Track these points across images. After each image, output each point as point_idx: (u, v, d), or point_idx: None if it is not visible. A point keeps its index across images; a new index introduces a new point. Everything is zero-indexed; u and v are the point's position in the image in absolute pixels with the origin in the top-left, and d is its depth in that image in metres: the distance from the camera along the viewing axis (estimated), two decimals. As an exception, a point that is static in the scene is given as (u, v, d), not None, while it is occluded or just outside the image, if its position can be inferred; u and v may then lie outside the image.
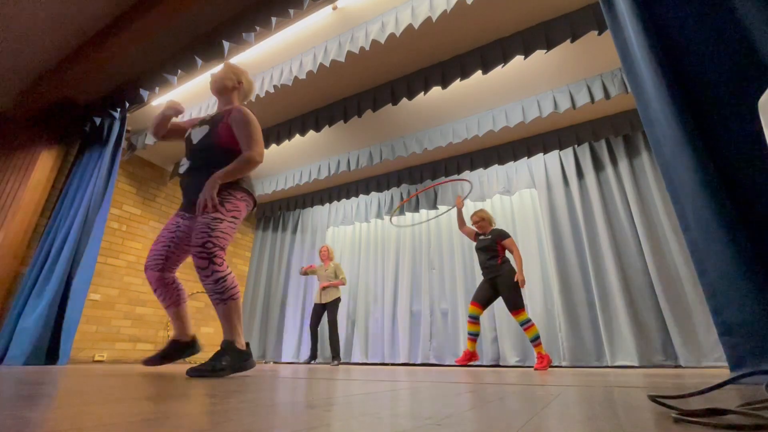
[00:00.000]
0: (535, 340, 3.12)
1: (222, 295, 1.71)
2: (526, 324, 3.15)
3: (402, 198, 5.35)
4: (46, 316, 2.93)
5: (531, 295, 4.10)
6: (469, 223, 4.52)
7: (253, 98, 2.26)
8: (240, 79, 2.14)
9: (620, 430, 0.46)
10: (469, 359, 3.30)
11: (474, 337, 3.34)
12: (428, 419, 0.53)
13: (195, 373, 1.56)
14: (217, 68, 2.24)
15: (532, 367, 3.83)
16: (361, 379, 1.53)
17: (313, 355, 4.48)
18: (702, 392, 0.61)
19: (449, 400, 0.79)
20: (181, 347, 1.96)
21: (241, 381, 1.35)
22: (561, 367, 3.68)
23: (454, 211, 5.01)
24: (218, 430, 0.44)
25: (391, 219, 4.86)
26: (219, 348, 1.72)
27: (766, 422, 0.43)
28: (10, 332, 2.96)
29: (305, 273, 4.70)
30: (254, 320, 5.69)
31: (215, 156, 1.90)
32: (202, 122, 2.02)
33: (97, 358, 3.94)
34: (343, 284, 4.61)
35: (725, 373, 2.05)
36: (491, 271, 3.36)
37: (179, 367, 2.86)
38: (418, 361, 4.55)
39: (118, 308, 4.23)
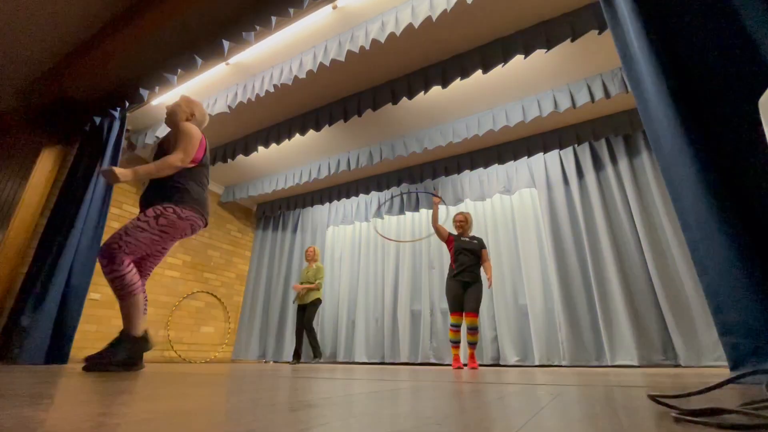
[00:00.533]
0: (474, 345, 3.40)
1: (121, 291, 1.86)
2: (477, 329, 3.40)
3: (402, 196, 5.34)
4: (46, 315, 2.93)
5: (531, 294, 4.10)
6: (444, 223, 4.56)
7: (204, 125, 2.43)
8: (193, 111, 2.30)
9: (621, 429, 0.46)
10: (459, 363, 3.40)
11: (458, 344, 3.48)
12: (428, 419, 0.53)
13: (93, 366, 1.76)
14: (171, 101, 2.43)
15: (531, 366, 3.83)
16: (362, 379, 1.53)
17: (297, 356, 4.52)
18: (702, 392, 0.61)
19: (449, 400, 0.79)
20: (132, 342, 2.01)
21: (241, 380, 1.35)
22: (561, 366, 3.68)
23: (454, 209, 5.01)
24: (218, 429, 0.44)
25: (376, 228, 4.94)
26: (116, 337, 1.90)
27: (767, 422, 0.43)
28: (11, 331, 2.96)
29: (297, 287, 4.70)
30: (254, 320, 5.68)
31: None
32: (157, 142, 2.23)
33: (97, 357, 3.94)
34: (315, 288, 4.63)
35: (725, 373, 2.05)
36: (472, 276, 3.52)
37: (180, 367, 2.86)
38: (419, 361, 4.55)
39: (118, 308, 4.22)
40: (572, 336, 3.70)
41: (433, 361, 4.47)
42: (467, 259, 3.56)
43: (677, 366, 3.23)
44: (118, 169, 1.91)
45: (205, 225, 2.16)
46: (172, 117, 2.23)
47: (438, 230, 3.79)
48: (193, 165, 2.13)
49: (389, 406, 0.68)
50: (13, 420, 0.48)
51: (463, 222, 3.74)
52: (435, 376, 1.85)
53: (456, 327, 3.47)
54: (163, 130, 3.85)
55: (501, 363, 4.08)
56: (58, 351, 2.96)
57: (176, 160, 2.02)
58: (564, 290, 3.88)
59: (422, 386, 1.17)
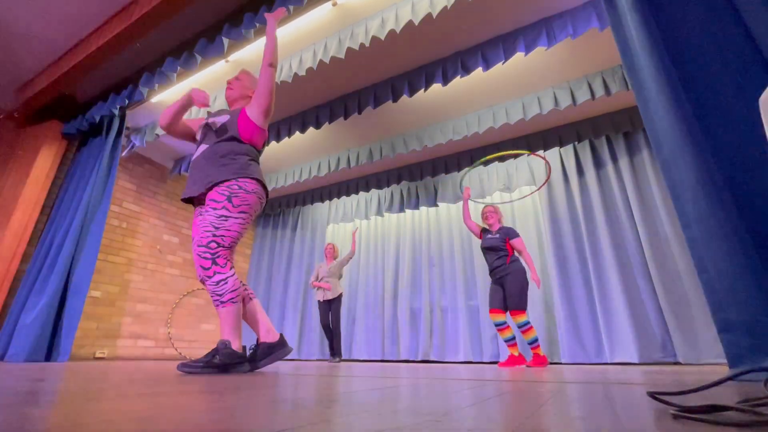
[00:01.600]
0: (534, 343, 3.03)
1: (222, 298, 1.67)
2: (525, 326, 3.04)
3: (402, 194, 5.34)
4: (46, 313, 2.94)
5: (530, 292, 4.10)
6: (476, 218, 4.40)
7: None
8: (253, 85, 2.08)
9: (620, 426, 0.46)
10: (514, 364, 3.09)
11: (512, 341, 3.14)
12: (428, 415, 0.54)
13: (185, 368, 1.55)
14: (234, 75, 2.16)
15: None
16: (362, 376, 1.54)
17: (336, 352, 4.29)
18: (701, 389, 0.61)
19: (449, 397, 0.79)
20: (268, 347, 1.82)
21: (242, 378, 1.36)
22: (560, 363, 3.69)
23: (454, 207, 5.01)
24: (219, 427, 0.44)
25: (461, 182, 4.26)
26: (215, 346, 1.69)
27: (766, 419, 0.44)
28: (11, 329, 2.97)
29: (316, 284, 4.58)
30: (254, 317, 5.69)
31: (231, 143, 1.84)
32: (220, 113, 1.97)
33: (98, 354, 3.95)
34: (351, 257, 4.60)
35: (724, 370, 2.06)
36: (499, 272, 3.19)
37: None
38: (419, 358, 4.56)
39: (119, 305, 4.24)
40: (572, 333, 3.71)
41: (433, 358, 4.48)
42: (489, 257, 3.28)
43: (676, 363, 3.24)
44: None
45: (267, 197, 1.96)
46: (237, 94, 2.04)
47: (470, 228, 3.52)
48: (255, 147, 1.95)
49: (389, 402, 0.69)
50: (15, 418, 0.48)
51: (490, 213, 3.40)
52: (435, 373, 1.86)
53: (498, 325, 3.15)
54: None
55: (501, 360, 4.09)
56: (59, 348, 2.97)
57: (269, 56, 1.94)
58: (563, 287, 3.88)
59: (422, 383, 1.17)
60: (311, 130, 4.11)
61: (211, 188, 1.77)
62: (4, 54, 3.19)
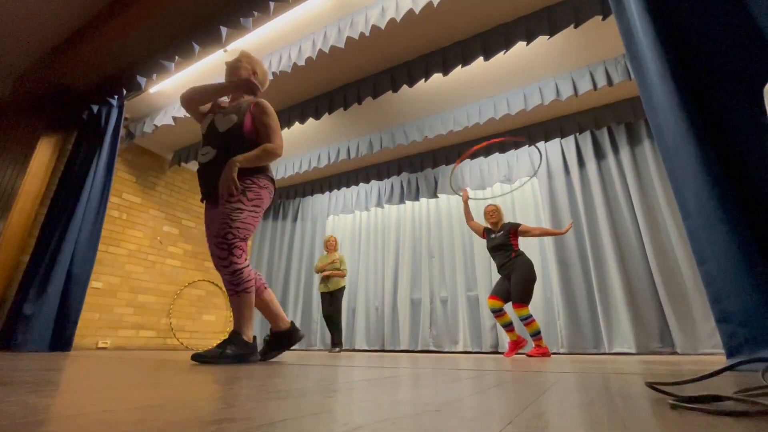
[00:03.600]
0: (536, 335, 3.06)
1: (237, 287, 1.73)
2: (528, 319, 3.07)
3: (402, 186, 5.33)
4: (48, 303, 2.96)
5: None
6: (478, 218, 4.40)
7: (266, 86, 2.18)
8: (255, 69, 2.08)
9: (617, 416, 0.46)
10: (516, 348, 3.18)
11: (510, 327, 3.22)
12: (428, 405, 0.54)
13: (199, 358, 1.59)
14: (233, 57, 2.12)
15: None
16: (362, 366, 1.55)
17: (338, 342, 4.36)
18: (699, 379, 0.61)
19: (449, 387, 0.80)
20: (280, 336, 1.90)
21: (244, 368, 1.37)
22: (559, 353, 3.72)
23: (454, 199, 5.00)
24: (220, 417, 0.44)
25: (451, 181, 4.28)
26: (227, 336, 1.73)
27: (763, 409, 0.44)
28: (14, 320, 2.99)
29: (320, 270, 4.64)
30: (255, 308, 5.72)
31: (243, 147, 1.84)
32: (227, 112, 1.94)
33: (100, 345, 3.99)
34: (343, 275, 4.62)
35: (721, 360, 2.08)
36: (506, 268, 3.25)
37: (184, 354, 2.90)
38: (418, 349, 4.60)
39: (120, 296, 4.26)
40: (571, 324, 3.73)
41: (432, 348, 4.52)
42: (497, 257, 3.32)
43: (674, 353, 3.26)
44: (231, 173, 1.75)
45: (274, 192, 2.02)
46: (235, 72, 2.01)
47: (473, 228, 3.55)
48: (258, 141, 1.95)
49: (389, 392, 0.69)
50: (18, 407, 0.49)
51: (493, 212, 3.44)
52: (434, 363, 1.88)
53: (495, 311, 3.21)
54: (161, 119, 3.82)
55: (500, 351, 4.12)
56: (61, 338, 3.00)
57: (278, 147, 1.87)
58: (563, 278, 3.90)
59: (422, 373, 1.18)
60: (311, 120, 4.08)
61: None
62: (0, 44, 3.16)
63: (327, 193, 5.87)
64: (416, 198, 5.20)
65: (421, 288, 4.85)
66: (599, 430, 0.39)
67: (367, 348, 4.97)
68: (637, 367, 1.49)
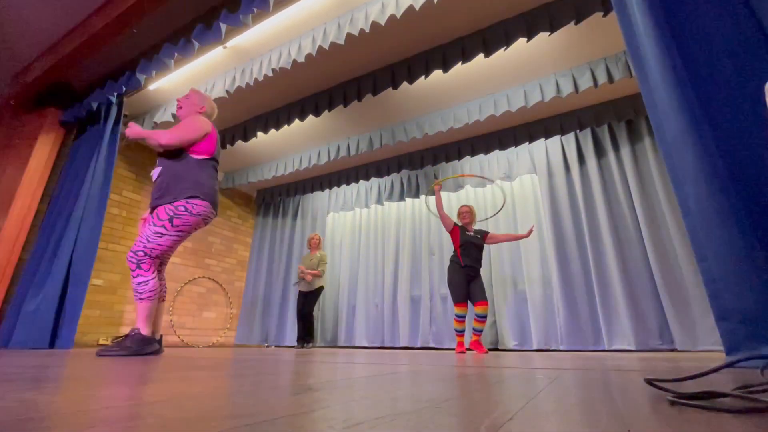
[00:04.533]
0: (482, 332, 3.40)
1: (140, 295, 2.05)
2: (486, 318, 3.38)
3: (402, 183, 5.32)
4: (49, 300, 2.97)
5: (530, 280, 4.13)
6: (449, 213, 4.44)
7: (214, 117, 2.53)
8: (203, 104, 2.37)
9: (617, 412, 0.46)
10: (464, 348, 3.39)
11: (462, 333, 3.44)
12: (428, 402, 0.54)
13: (103, 353, 1.85)
14: (181, 95, 2.52)
15: (530, 350, 3.88)
16: (362, 363, 1.55)
17: (308, 339, 4.55)
18: (698, 376, 0.61)
19: (449, 384, 0.80)
20: (143, 338, 2.10)
21: (244, 365, 1.37)
22: (558, 350, 3.73)
23: (454, 197, 5.00)
24: (221, 413, 0.44)
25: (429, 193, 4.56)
26: (127, 333, 2.04)
27: (761, 405, 0.44)
28: (15, 317, 3.00)
29: (301, 273, 4.75)
30: (256, 305, 5.74)
31: (180, 162, 2.13)
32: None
33: (101, 341, 3.99)
34: (319, 276, 4.67)
35: (720, 357, 2.08)
36: (476, 268, 3.53)
37: (182, 351, 2.90)
38: (418, 345, 4.61)
39: (121, 293, 4.27)
40: (570, 321, 3.74)
41: (432, 345, 4.53)
42: (475, 253, 3.53)
43: (673, 350, 3.27)
44: (134, 128, 2.14)
45: (215, 215, 2.28)
46: (185, 111, 2.32)
47: (444, 218, 3.68)
48: (206, 157, 2.21)
49: (389, 389, 0.69)
50: (19, 404, 0.49)
51: (467, 213, 3.69)
52: (434, 359, 1.88)
53: (462, 317, 3.40)
54: (160, 116, 3.82)
55: (500, 347, 4.13)
56: (62, 335, 3.00)
57: (162, 136, 2.08)
58: (563, 275, 3.90)
59: (421, 370, 1.18)
60: (311, 117, 4.07)
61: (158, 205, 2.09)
62: (-2, 40, 3.14)
63: (327, 190, 5.87)
64: (416, 195, 5.19)
65: (421, 285, 4.85)
66: (598, 426, 0.39)
67: (366, 345, 4.98)
68: (636, 364, 1.50)
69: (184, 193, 2.07)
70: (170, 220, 2.05)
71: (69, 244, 3.16)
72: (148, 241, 2.04)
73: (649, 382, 0.64)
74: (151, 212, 2.14)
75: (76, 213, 3.25)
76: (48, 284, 3.01)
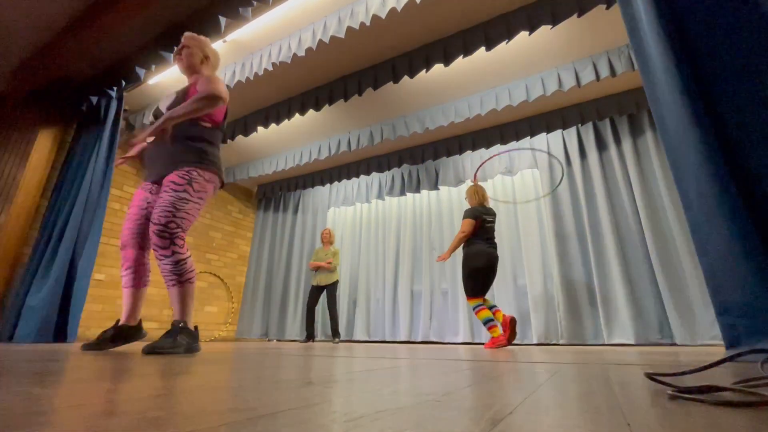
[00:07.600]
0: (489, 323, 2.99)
1: (180, 277, 1.69)
2: (475, 309, 3.06)
3: (403, 178, 5.31)
4: (52, 295, 2.98)
5: (530, 274, 4.13)
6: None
7: (218, 69, 2.24)
8: (206, 52, 2.06)
9: (617, 406, 0.46)
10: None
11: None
12: (428, 395, 0.54)
13: (151, 350, 1.54)
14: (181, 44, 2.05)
15: (530, 344, 3.90)
16: (363, 357, 1.56)
17: (311, 335, 4.56)
18: (699, 370, 0.62)
19: (449, 377, 0.80)
20: (129, 331, 1.84)
21: (245, 359, 1.38)
22: (558, 345, 3.75)
23: (455, 191, 4.99)
24: (221, 407, 0.44)
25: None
26: (171, 327, 1.68)
27: (761, 399, 0.44)
28: (18, 311, 3.01)
29: (314, 267, 4.74)
30: (257, 299, 5.76)
31: (181, 124, 1.81)
32: (168, 96, 1.96)
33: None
34: (331, 270, 4.66)
35: (720, 351, 2.09)
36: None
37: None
38: (418, 340, 4.63)
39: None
40: (570, 315, 3.75)
41: (432, 339, 4.55)
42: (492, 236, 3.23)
43: (673, 345, 3.28)
44: (168, 122, 1.70)
45: (222, 185, 2.00)
46: (188, 62, 1.99)
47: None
48: (215, 126, 1.96)
49: (390, 383, 0.70)
50: (21, 398, 0.49)
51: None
52: (434, 354, 1.89)
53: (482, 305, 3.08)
54: (161, 110, 3.80)
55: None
56: (65, 330, 3.02)
57: (216, 90, 1.77)
58: (563, 270, 3.90)
59: (422, 364, 1.19)
60: (311, 112, 4.05)
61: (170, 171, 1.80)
62: (-3, 34, 3.12)
63: (328, 185, 5.86)
64: (417, 190, 5.18)
65: (422, 280, 4.86)
66: (599, 420, 0.39)
67: (367, 339, 5.01)
68: (636, 358, 1.50)
69: (195, 161, 1.83)
70: (189, 182, 1.76)
71: (71, 239, 3.17)
72: (177, 209, 1.69)
73: (650, 376, 0.64)
74: (157, 182, 1.88)
75: (77, 208, 3.25)
76: (50, 279, 3.03)
